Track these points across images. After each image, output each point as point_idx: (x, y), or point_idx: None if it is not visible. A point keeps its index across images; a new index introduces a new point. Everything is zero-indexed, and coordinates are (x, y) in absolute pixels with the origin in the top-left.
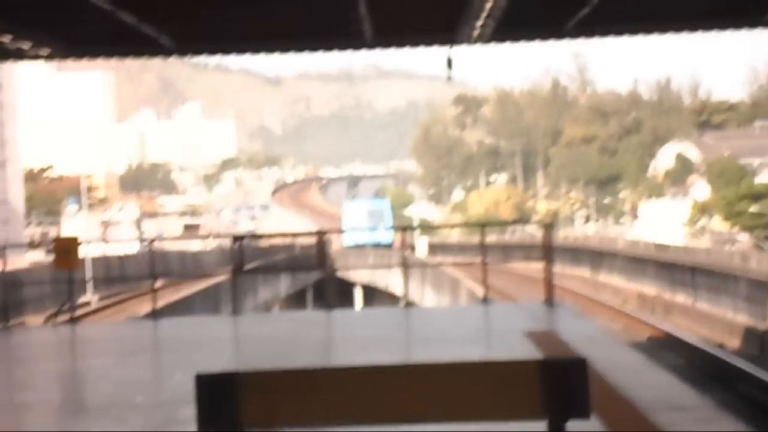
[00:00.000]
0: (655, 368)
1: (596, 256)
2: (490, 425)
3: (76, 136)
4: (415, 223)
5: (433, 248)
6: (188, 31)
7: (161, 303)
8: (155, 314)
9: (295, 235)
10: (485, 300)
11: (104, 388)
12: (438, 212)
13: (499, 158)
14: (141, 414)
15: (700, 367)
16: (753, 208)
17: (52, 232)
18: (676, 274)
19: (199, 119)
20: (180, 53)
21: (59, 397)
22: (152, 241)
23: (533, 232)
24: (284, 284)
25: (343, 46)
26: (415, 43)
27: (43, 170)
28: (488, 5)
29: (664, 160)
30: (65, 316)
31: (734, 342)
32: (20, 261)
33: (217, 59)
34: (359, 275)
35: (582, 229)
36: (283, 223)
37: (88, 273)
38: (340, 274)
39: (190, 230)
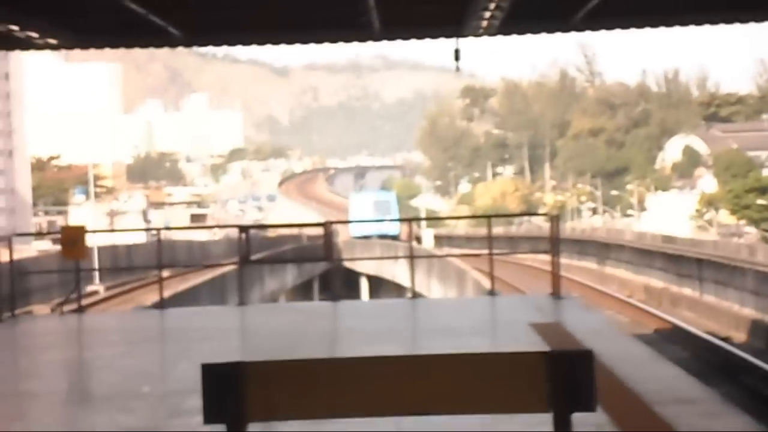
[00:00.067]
0: (661, 361)
1: (603, 248)
2: (496, 417)
3: (83, 125)
4: (422, 215)
5: (440, 240)
6: (196, 21)
7: (168, 293)
8: (162, 304)
9: (301, 225)
10: (492, 292)
11: (110, 377)
12: (445, 204)
13: (506, 150)
14: (147, 404)
15: (706, 360)
16: (760, 201)
17: (60, 222)
18: (683, 267)
19: (206, 109)
20: (187, 43)
21: (65, 386)
22: (159, 230)
23: (540, 224)
24: (291, 275)
25: (350, 37)
26: (422, 35)
27: (50, 159)
28: None
29: (671, 152)
30: (72, 306)
31: (741, 335)
32: (27, 250)
33: (225, 49)
34: (366, 266)
35: (589, 222)
36: (290, 214)
37: (95, 262)
38: (346, 265)
39: (197, 220)
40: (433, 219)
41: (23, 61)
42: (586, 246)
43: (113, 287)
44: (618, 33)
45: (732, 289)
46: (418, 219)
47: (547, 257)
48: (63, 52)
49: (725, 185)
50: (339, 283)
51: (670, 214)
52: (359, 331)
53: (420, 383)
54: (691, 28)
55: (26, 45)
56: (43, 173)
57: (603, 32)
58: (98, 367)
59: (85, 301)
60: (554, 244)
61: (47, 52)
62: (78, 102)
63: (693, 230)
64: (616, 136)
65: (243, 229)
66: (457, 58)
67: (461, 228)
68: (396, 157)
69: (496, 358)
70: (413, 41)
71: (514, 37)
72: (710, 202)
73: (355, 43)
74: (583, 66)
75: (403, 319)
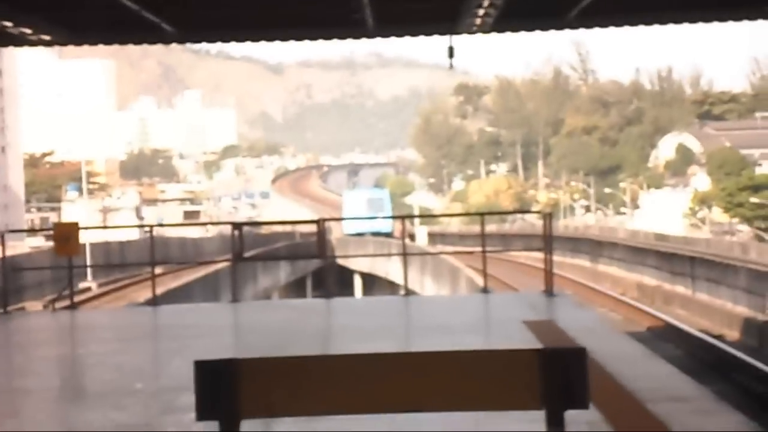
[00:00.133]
0: (654, 358)
1: (596, 246)
2: (490, 414)
3: (77, 122)
4: (416, 212)
5: (433, 237)
6: (189, 17)
7: (161, 290)
8: (155, 301)
9: (294, 222)
10: (485, 289)
11: (103, 374)
12: (438, 201)
13: (499, 147)
14: (140, 400)
15: (699, 358)
16: (753, 199)
17: (53, 218)
18: (676, 265)
19: (199, 106)
20: (181, 40)
21: (58, 383)
22: (152, 227)
23: (533, 221)
24: (284, 272)
25: (344, 34)
26: (416, 32)
27: (43, 156)
28: None
29: (664, 150)
30: (65, 302)
31: (733, 333)
32: (20, 246)
33: (219, 46)
34: (359, 263)
35: (582, 219)
36: (283, 211)
37: (88, 259)
38: (339, 262)
39: (190, 217)
40: (427, 216)
41: (17, 58)
42: (579, 244)
43: (106, 284)
44: (612, 31)
45: (725, 287)
46: (411, 216)
47: (540, 255)
48: (56, 48)
49: (718, 183)
50: (332, 280)
51: (663, 212)
52: (352, 328)
53: (413, 380)
54: (685, 26)
55: (20, 41)
56: (36, 170)
57: (597, 30)
58: (91, 364)
59: (77, 298)
60: (547, 241)
61: (41, 49)
62: (71, 98)
63: (686, 228)
64: (610, 134)
65: (236, 226)
66: (451, 55)
67: (455, 225)
68: (390, 154)
69: (490, 355)
70: (407, 38)
71: (508, 34)
72: (703, 200)
73: (350, 41)
74: (577, 64)
75: (397, 316)
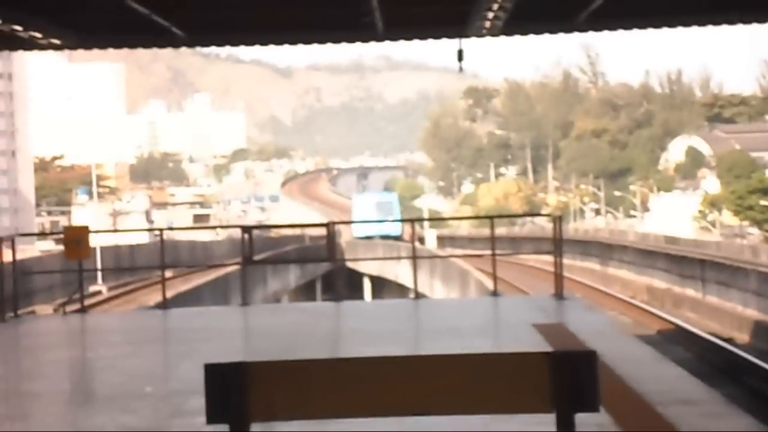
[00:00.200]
0: (664, 361)
1: (606, 249)
2: (499, 417)
3: (86, 126)
4: (425, 215)
5: (443, 240)
6: (199, 21)
7: (171, 293)
8: (165, 304)
9: (304, 226)
10: (494, 292)
11: (113, 378)
12: (447, 204)
13: (509, 151)
14: (150, 404)
15: (709, 361)
16: (763, 202)
17: (63, 222)
18: (686, 268)
19: (209, 110)
20: (190, 44)
21: (68, 386)
22: (162, 231)
23: (543, 224)
24: (293, 275)
25: (353, 38)
26: (425, 35)
27: (53, 160)
28: None
29: (674, 153)
30: (75, 306)
31: (743, 336)
32: (30, 250)
33: (228, 50)
34: (368, 267)
35: (592, 222)
36: (293, 215)
37: (98, 262)
38: (349, 265)
39: (200, 221)
40: (436, 219)
41: (26, 62)
42: (589, 247)
43: (116, 287)
44: (621, 34)
45: (735, 290)
46: (420, 219)
47: (549, 258)
48: (66, 52)
49: (728, 186)
50: (342, 283)
51: (673, 215)
52: (362, 331)
53: (423, 384)
54: (694, 29)
55: (29, 45)
56: (46, 173)
57: (606, 33)
58: (101, 367)
59: (87, 302)
60: (557, 244)
61: (50, 53)
62: (81, 102)
63: (696, 231)
64: (619, 137)
65: (246, 229)
66: (460, 58)
67: (464, 229)
68: (399, 157)
69: (499, 358)
70: (416, 42)
71: (517, 37)
72: (713, 203)
73: (358, 44)
74: (586, 67)
75: (406, 319)
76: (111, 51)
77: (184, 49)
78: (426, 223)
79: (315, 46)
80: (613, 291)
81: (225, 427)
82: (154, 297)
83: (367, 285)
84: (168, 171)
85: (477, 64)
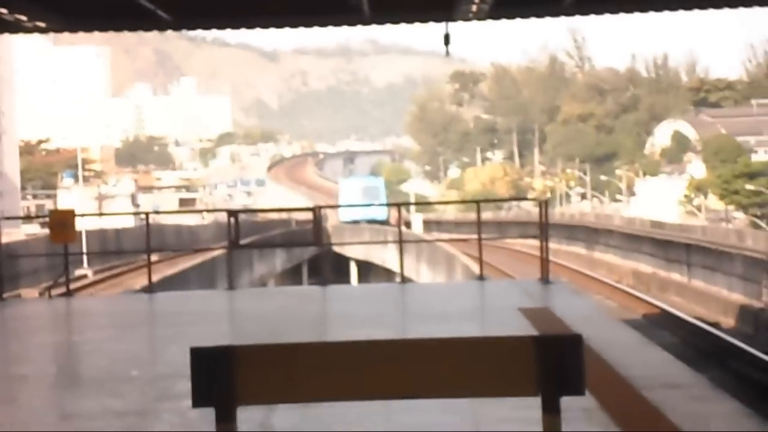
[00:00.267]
0: (649, 345)
1: (592, 233)
2: (485, 400)
3: (72, 109)
4: (411, 200)
5: (429, 225)
6: (184, 4)
7: (157, 277)
8: (151, 288)
9: (290, 210)
10: (481, 277)
11: (99, 361)
12: (434, 189)
13: (495, 135)
14: (136, 388)
15: (694, 345)
16: (749, 186)
17: (48, 205)
18: (672, 252)
19: (195, 93)
20: (176, 27)
21: (54, 370)
22: (148, 214)
23: (529, 209)
24: (280, 259)
25: (340, 21)
26: (412, 19)
27: (39, 143)
28: None
29: (660, 137)
30: (61, 289)
31: (729, 320)
32: (16, 233)
33: (214, 33)
34: (355, 251)
35: (578, 207)
36: (279, 199)
37: (84, 246)
38: (335, 249)
39: (186, 204)
40: (423, 204)
41: (11, 45)
42: (575, 231)
43: (102, 271)
44: (608, 18)
45: (720, 274)
46: (407, 204)
47: (536, 242)
48: (52, 35)
49: (714, 170)
50: (328, 267)
51: (658, 200)
52: (348, 315)
53: (409, 367)
54: (681, 13)
55: (15, 28)
56: (31, 157)
57: (592, 17)
58: (87, 351)
59: (73, 285)
60: (543, 229)
61: (36, 35)
62: (67, 85)
63: (682, 215)
64: (606, 122)
65: (232, 213)
66: (446, 42)
67: (450, 213)
68: (385, 141)
69: (485, 342)
70: (403, 25)
71: (504, 21)
72: (699, 188)
73: (345, 28)
74: (573, 51)
75: (393, 303)
76: (96, 34)
77: (170, 33)
78: (412, 208)
79: (301, 30)
80: (599, 275)
81: (211, 410)
82: (140, 281)
83: (353, 269)
84: (154, 155)
85: (464, 48)
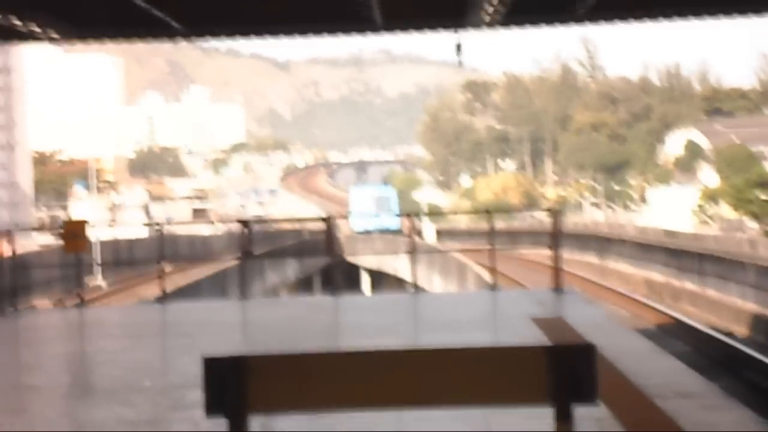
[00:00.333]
0: (662, 354)
1: (605, 243)
2: (498, 410)
3: (84, 119)
4: (424, 209)
5: (441, 234)
6: (197, 14)
7: (170, 287)
8: (164, 298)
9: (303, 220)
10: (493, 286)
11: (112, 371)
12: (446, 198)
13: (508, 144)
14: (148, 398)
15: (707, 354)
16: (762, 196)
17: (61, 216)
18: (685, 261)
19: (207, 103)
20: (188, 36)
21: (67, 380)
22: (161, 225)
23: (542, 218)
24: (292, 269)
25: (352, 31)
26: (424, 28)
27: (52, 154)
28: None
29: (673, 147)
30: (74, 300)
31: (742, 329)
32: (29, 244)
33: (227, 43)
34: (367, 261)
35: (591, 216)
36: (292, 208)
37: (97, 256)
38: (348, 259)
39: (199, 214)
40: (435, 213)
41: (24, 55)
42: (588, 240)
43: (115, 281)
44: (620, 27)
45: (733, 284)
46: (419, 213)
47: (548, 252)
48: (64, 45)
49: (727, 180)
50: (340, 277)
51: (671, 209)
52: (361, 325)
53: (421, 377)
54: (693, 22)
55: (27, 37)
56: (44, 167)
57: (605, 26)
58: (100, 360)
59: (87, 295)
60: (556, 238)
61: (48, 46)
62: (79, 94)
63: (695, 225)
64: (618, 131)
65: (245, 223)
66: (458, 52)
67: (463, 222)
68: (398, 151)
69: (498, 352)
70: (415, 35)
71: (516, 30)
72: (712, 197)
73: (357, 37)
74: (585, 60)
75: (405, 313)
76: (109, 44)
77: (182, 43)
78: (425, 217)
79: (313, 40)
80: (611, 284)
81: (223, 419)
82: (153, 291)
83: (365, 279)
84: (167, 165)
85: (476, 57)
